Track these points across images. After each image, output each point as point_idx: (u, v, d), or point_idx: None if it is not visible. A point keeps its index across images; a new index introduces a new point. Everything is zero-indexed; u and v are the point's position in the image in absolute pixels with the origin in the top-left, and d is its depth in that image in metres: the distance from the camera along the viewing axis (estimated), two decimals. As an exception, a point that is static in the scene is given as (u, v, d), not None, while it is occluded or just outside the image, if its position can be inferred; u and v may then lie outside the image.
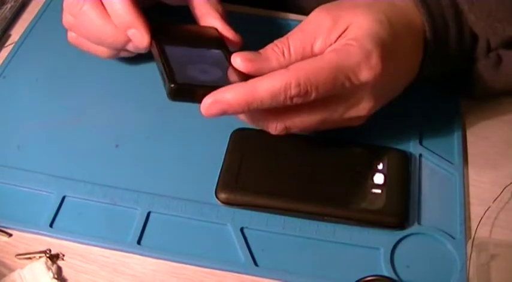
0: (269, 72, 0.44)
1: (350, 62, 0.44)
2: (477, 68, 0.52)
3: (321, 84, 0.43)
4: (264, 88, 0.43)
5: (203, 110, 0.44)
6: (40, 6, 0.65)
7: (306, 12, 0.65)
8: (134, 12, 0.49)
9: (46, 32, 0.62)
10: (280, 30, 0.62)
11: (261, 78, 0.43)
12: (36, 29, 0.62)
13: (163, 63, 0.46)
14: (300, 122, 0.46)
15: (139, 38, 0.50)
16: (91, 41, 0.54)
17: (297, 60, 0.45)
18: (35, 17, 0.64)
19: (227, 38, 0.52)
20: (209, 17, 0.53)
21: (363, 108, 0.47)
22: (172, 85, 0.44)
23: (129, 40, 0.51)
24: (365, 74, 0.44)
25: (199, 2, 0.53)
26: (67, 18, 0.54)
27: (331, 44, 0.46)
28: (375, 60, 0.44)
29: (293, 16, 0.64)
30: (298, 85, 0.43)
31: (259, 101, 0.43)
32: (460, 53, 0.51)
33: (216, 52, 0.49)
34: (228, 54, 0.48)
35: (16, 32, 0.63)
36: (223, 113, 0.43)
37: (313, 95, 0.43)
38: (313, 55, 0.46)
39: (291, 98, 0.43)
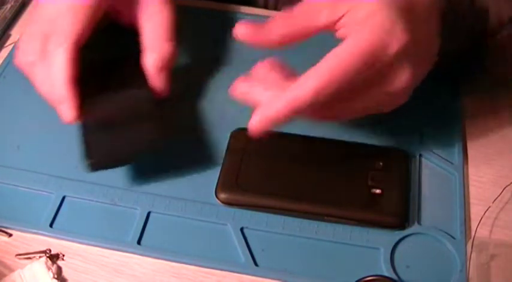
0: (274, 38, 0.45)
1: (374, 39, 0.43)
2: (492, 42, 0.52)
3: (350, 73, 0.42)
4: (303, 93, 0.43)
5: (252, 129, 0.45)
6: (40, 6, 0.65)
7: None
8: (69, 89, 0.49)
9: (46, 32, 0.62)
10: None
11: (298, 86, 0.43)
12: (36, 29, 0.62)
13: (82, 136, 0.49)
14: (342, 109, 0.46)
15: (66, 113, 0.49)
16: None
17: (301, 25, 0.45)
18: (35, 17, 0.64)
19: (152, 85, 0.52)
20: (148, 55, 0.52)
21: (403, 80, 0.45)
22: (89, 162, 0.47)
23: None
24: (393, 46, 0.43)
25: (146, 35, 0.53)
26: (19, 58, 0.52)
27: (339, 17, 0.45)
28: (399, 28, 0.43)
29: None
30: (331, 81, 0.42)
31: (303, 105, 0.43)
32: (472, 26, 0.50)
33: (136, 93, 0.51)
34: (148, 92, 0.51)
35: (16, 32, 0.63)
36: (273, 125, 0.44)
37: (348, 85, 0.43)
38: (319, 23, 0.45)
39: (328, 95, 0.43)
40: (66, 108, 0.49)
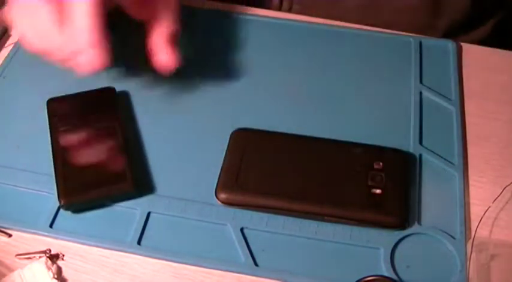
0: None
1: None
2: None
3: None
4: None
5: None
6: (40, 6, 0.65)
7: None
8: (98, 32, 0.47)
9: (46, 32, 0.62)
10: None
11: None
12: (36, 29, 0.62)
13: (56, 176, 0.49)
14: None
15: (95, 59, 0.47)
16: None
17: None
18: (35, 17, 0.64)
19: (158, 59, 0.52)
20: (155, 36, 0.52)
21: None
22: (63, 202, 0.48)
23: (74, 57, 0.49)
24: None
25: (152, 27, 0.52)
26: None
27: None
28: None
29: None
30: None
31: None
32: None
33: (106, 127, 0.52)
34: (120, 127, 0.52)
35: (16, 32, 0.63)
36: None
37: None
38: None
39: None
40: (96, 53, 0.47)
